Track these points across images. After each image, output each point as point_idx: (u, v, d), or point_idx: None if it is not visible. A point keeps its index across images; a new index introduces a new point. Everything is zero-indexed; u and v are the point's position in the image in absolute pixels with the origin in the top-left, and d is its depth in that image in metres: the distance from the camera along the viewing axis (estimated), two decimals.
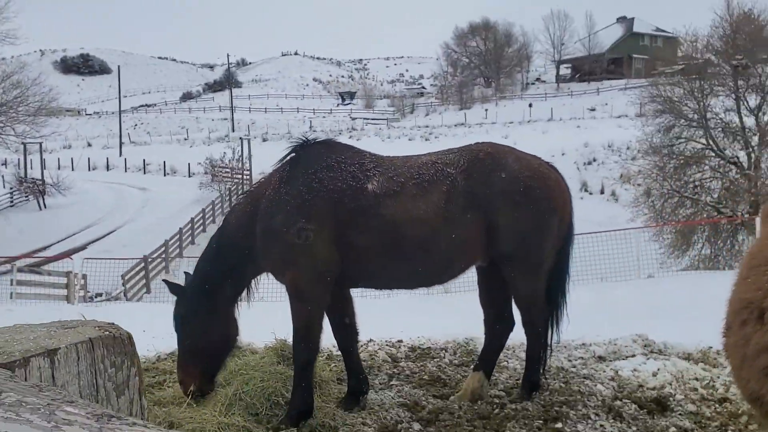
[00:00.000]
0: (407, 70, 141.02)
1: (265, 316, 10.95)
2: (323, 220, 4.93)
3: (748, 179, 23.25)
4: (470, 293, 5.40)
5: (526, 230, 5.12)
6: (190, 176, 53.21)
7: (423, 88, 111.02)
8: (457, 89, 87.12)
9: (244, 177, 48.43)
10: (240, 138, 54.34)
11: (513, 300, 5.52)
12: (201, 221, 38.06)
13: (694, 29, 28.64)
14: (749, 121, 23.85)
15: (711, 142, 24.05)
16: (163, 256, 29.29)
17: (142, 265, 26.33)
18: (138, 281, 26.05)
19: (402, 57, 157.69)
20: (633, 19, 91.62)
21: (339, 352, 6.51)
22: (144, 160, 58.01)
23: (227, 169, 48.71)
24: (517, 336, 5.99)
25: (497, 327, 5.64)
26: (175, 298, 5.42)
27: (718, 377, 5.93)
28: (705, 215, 24.39)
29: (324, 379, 5.84)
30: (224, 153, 50.13)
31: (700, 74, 24.78)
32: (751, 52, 24.72)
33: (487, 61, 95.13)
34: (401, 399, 5.50)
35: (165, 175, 56.06)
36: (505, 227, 5.08)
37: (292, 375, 5.38)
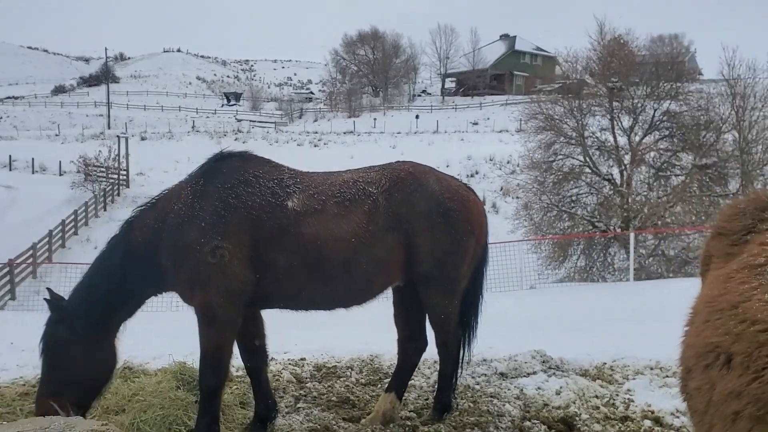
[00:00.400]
0: (295, 74, 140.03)
1: (152, 327, 10.36)
2: (240, 238, 4.64)
3: (620, 195, 24.75)
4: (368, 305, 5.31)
5: (444, 251, 5.07)
6: (61, 175, 49.84)
7: (311, 93, 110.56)
8: (345, 97, 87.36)
9: (121, 177, 46.04)
10: (117, 136, 51.54)
11: (428, 320, 5.45)
12: (73, 223, 35.71)
13: (575, 51, 30.10)
14: (623, 141, 25.41)
15: (588, 160, 25.40)
16: (31, 260, 27.18)
17: (7, 269, 24.29)
18: (1, 287, 24.01)
19: (290, 60, 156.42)
20: (515, 37, 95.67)
21: (241, 374, 6.20)
22: (10, 156, 53.76)
23: (102, 169, 46.07)
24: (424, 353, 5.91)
25: (411, 347, 5.55)
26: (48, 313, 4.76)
27: (617, 395, 6.14)
28: (581, 228, 25.74)
29: (227, 403, 5.50)
30: (99, 151, 47.37)
31: (577, 94, 26.15)
32: (625, 75, 26.42)
33: (375, 70, 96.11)
34: (310, 423, 5.27)
35: (33, 172, 52.16)
36: (424, 248, 5.00)
37: (194, 401, 5.04)
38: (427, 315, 5.41)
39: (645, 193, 25.18)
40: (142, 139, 63.87)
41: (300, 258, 4.74)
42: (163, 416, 4.80)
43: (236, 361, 5.69)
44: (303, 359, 7.45)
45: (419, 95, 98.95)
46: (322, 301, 5.09)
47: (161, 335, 9.91)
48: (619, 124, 25.52)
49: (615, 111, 25.43)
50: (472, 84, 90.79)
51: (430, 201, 5.03)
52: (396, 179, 5.08)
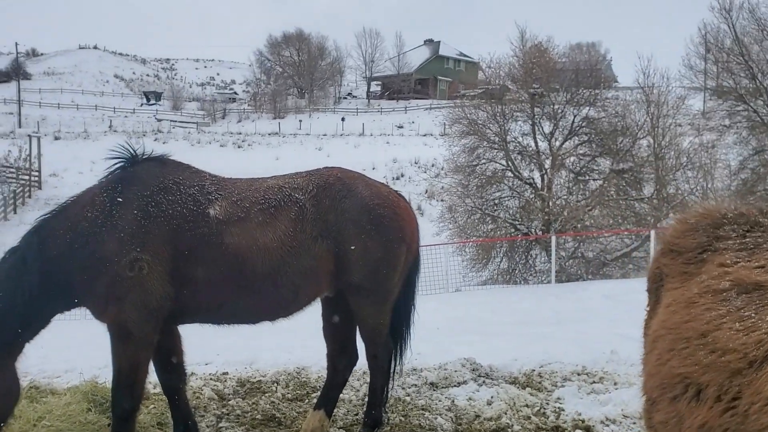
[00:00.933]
0: (218, 74, 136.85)
1: (62, 337, 9.72)
2: (160, 250, 4.31)
3: (541, 199, 25.32)
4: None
5: (375, 260, 4.88)
6: None
7: (235, 93, 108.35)
8: (270, 98, 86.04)
9: (32, 178, 43.76)
10: (28, 135, 48.96)
11: (358, 331, 5.26)
12: None
13: (497, 57, 30.66)
14: (543, 146, 26.01)
15: (510, 164, 25.88)
16: None
17: None
18: None
19: (213, 60, 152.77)
20: (439, 42, 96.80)
21: (158, 391, 5.83)
22: None
23: (12, 169, 43.66)
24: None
25: (341, 362, 5.33)
26: None
27: (547, 403, 6.11)
28: (503, 231, 26.19)
29: (143, 424, 5.13)
30: (9, 151, 44.91)
31: (500, 99, 26.61)
32: (546, 81, 27.08)
33: (300, 72, 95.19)
34: None
35: None
36: (354, 256, 4.80)
37: (107, 425, 4.67)
38: (357, 326, 5.22)
39: (565, 197, 25.86)
40: (56, 138, 61.01)
41: (222, 270, 4.46)
42: None
43: (153, 377, 5.34)
44: (225, 373, 7.12)
45: (345, 98, 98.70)
46: (246, 315, 4.81)
47: (72, 346, 9.33)
48: (540, 129, 26.14)
49: (536, 116, 26.04)
50: (397, 88, 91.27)
51: (360, 207, 4.84)
52: (324, 185, 4.86)
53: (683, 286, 2.76)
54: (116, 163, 4.62)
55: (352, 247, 4.77)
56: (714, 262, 2.71)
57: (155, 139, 57.74)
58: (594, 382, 6.83)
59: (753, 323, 2.23)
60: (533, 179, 26.15)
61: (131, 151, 4.66)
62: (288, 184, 4.83)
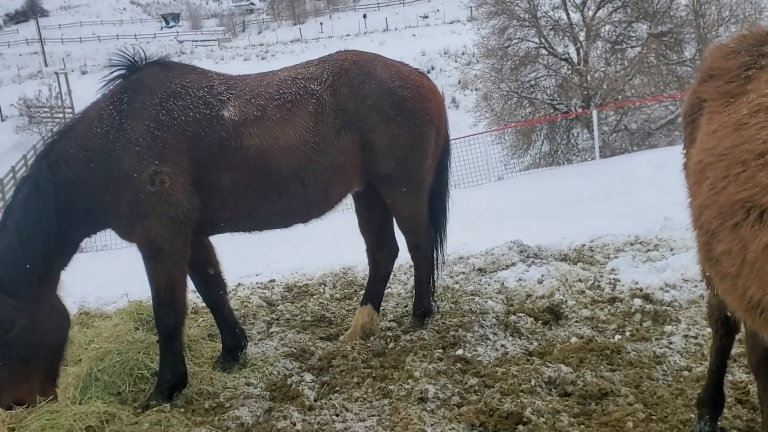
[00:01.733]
0: None
1: (109, 267, 9.89)
2: (179, 160, 4.10)
3: (579, 74, 24.29)
4: (333, 214, 4.90)
5: (404, 147, 4.62)
6: (3, 120, 47.69)
7: (252, 4, 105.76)
8: (288, 4, 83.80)
9: (66, 116, 44.12)
10: (55, 73, 49.09)
11: (396, 224, 5.06)
12: (23, 169, 34.35)
13: None
14: (576, 17, 24.69)
15: (543, 41, 24.72)
16: None
17: None
18: None
19: None
20: None
21: (204, 305, 5.81)
22: None
23: (46, 109, 44.06)
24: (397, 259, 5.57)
25: (381, 255, 5.18)
26: None
27: (601, 276, 5.91)
28: (542, 113, 25.39)
29: (192, 338, 5.13)
30: (39, 91, 45.17)
31: None
32: None
33: None
34: (286, 348, 4.94)
35: None
36: (381, 146, 4.55)
37: (155, 342, 4.65)
38: (394, 219, 5.02)
39: (603, 69, 24.74)
40: (83, 73, 60.98)
41: (247, 174, 4.25)
42: (122, 362, 4.42)
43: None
44: (272, 281, 7.09)
45: None
46: (276, 219, 4.63)
47: (127, 273, 9.43)
48: (571, 0, 24.73)
49: None
50: None
51: (381, 92, 4.53)
52: (340, 71, 4.54)
53: (728, 109, 2.53)
54: (116, 71, 4.34)
55: (378, 137, 4.51)
56: (762, 79, 2.47)
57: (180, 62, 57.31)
58: (649, 250, 6.58)
59: None
60: (568, 54, 24.99)
61: (130, 58, 4.37)
62: (301, 74, 4.52)
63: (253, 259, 8.52)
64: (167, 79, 4.28)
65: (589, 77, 24.00)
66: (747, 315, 2.21)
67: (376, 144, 4.53)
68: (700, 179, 2.46)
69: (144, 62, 4.41)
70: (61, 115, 43.97)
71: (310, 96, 4.39)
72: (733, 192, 2.19)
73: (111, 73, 4.35)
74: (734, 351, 4.00)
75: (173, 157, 4.11)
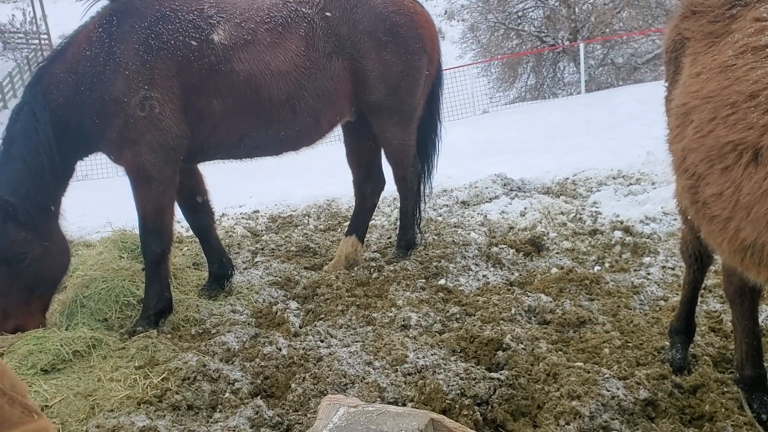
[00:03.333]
0: None
1: (80, 195, 9.77)
2: (168, 85, 4.03)
3: (567, 5, 23.87)
4: (317, 147, 4.87)
5: (396, 75, 4.57)
6: None
7: None
8: None
9: (42, 42, 42.79)
10: None
11: (384, 154, 5.05)
12: (0, 96, 33.58)
13: None
14: None
15: None
16: None
17: None
18: None
19: None
20: None
21: (189, 234, 5.84)
22: None
23: (20, 35, 42.65)
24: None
25: (368, 187, 5.19)
26: None
27: (583, 209, 5.98)
28: (529, 45, 25.04)
29: (178, 266, 5.15)
30: (12, 15, 43.58)
31: None
32: None
33: None
34: (271, 277, 5.00)
35: None
36: (373, 73, 4.50)
37: (140, 270, 4.68)
38: (382, 149, 5.01)
39: (591, 1, 24.31)
40: None
41: (237, 100, 4.19)
42: (108, 289, 4.45)
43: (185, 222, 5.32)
44: (257, 212, 7.11)
45: None
46: (266, 147, 4.58)
47: (109, 202, 9.38)
48: None
49: None
50: None
51: (374, 17, 4.45)
52: None
53: (713, 50, 2.45)
54: None
55: (370, 63, 4.46)
56: (749, 18, 2.37)
57: None
58: (631, 184, 6.65)
59: None
60: None
61: None
62: None
63: (237, 190, 8.52)
64: (156, 2, 4.17)
65: (577, 9, 23.60)
66: (735, 255, 2.22)
67: (367, 71, 4.48)
68: (684, 122, 2.42)
69: None
70: (36, 41, 42.62)
71: (301, 19, 4.30)
72: (722, 134, 2.15)
73: None
74: (709, 282, 4.12)
75: (163, 82, 4.05)
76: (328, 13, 4.35)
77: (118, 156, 4.24)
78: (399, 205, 5.34)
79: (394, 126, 4.75)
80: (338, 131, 5.26)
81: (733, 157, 2.10)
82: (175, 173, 4.27)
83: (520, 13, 25.11)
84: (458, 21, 33.80)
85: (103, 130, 4.10)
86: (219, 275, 4.81)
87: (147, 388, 3.44)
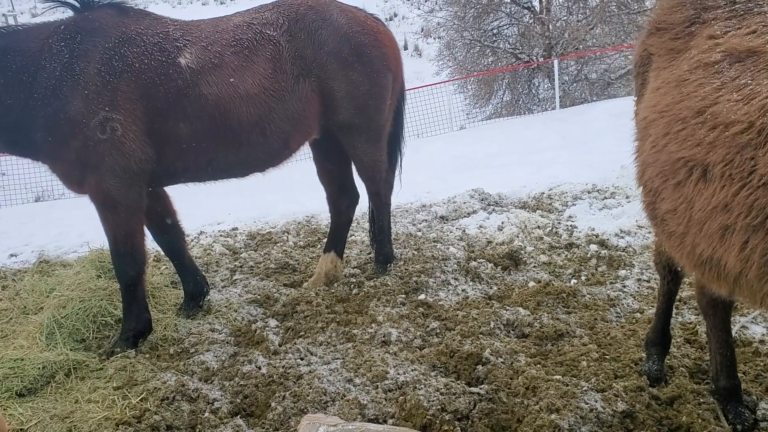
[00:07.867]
0: None
1: (57, 215, 9.68)
2: (132, 107, 3.98)
3: (541, 23, 24.21)
4: (293, 163, 4.88)
5: (363, 94, 4.60)
6: None
7: None
8: None
9: None
10: (3, 15, 46.88)
11: (356, 171, 5.08)
12: None
13: None
14: None
15: None
16: None
17: None
18: None
19: None
20: None
21: None
22: None
23: None
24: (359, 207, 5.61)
25: (342, 202, 5.21)
26: None
27: (559, 223, 6.05)
28: (504, 62, 25.33)
29: (156, 285, 5.11)
30: None
31: None
32: None
33: None
34: (250, 295, 4.98)
35: None
36: (341, 93, 4.52)
37: (117, 289, 4.63)
38: (354, 166, 5.03)
39: (565, 18, 24.67)
40: (33, 16, 58.40)
41: (205, 124, 4.14)
42: (85, 309, 4.40)
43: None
44: (235, 229, 7.08)
45: None
46: (234, 169, 4.54)
47: (87, 222, 9.24)
48: None
49: None
50: None
51: (339, 37, 4.48)
52: (295, 16, 4.45)
53: (672, 65, 2.52)
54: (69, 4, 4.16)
55: (337, 83, 4.48)
56: (703, 35, 2.45)
57: (134, 4, 55.23)
58: (605, 197, 6.74)
59: (752, 90, 2.04)
60: (531, 2, 24.86)
61: None
62: (256, 20, 4.41)
63: (214, 207, 8.47)
64: (122, 24, 4.13)
65: (551, 26, 23.95)
66: (696, 270, 2.25)
67: (335, 91, 4.50)
68: (644, 136, 2.47)
69: (99, 2, 4.23)
70: None
71: (267, 42, 4.30)
72: (674, 150, 2.19)
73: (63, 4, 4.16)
74: (684, 294, 4.19)
75: (126, 105, 3.97)
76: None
77: (80, 182, 4.11)
78: (375, 220, 5.36)
79: (365, 143, 4.79)
80: (306, 149, 5.27)
81: (683, 173, 2.14)
82: (141, 197, 4.20)
83: (495, 31, 25.41)
84: (434, 39, 34.09)
85: (56, 149, 3.99)
86: (195, 294, 4.79)
87: (125, 408, 3.41)
